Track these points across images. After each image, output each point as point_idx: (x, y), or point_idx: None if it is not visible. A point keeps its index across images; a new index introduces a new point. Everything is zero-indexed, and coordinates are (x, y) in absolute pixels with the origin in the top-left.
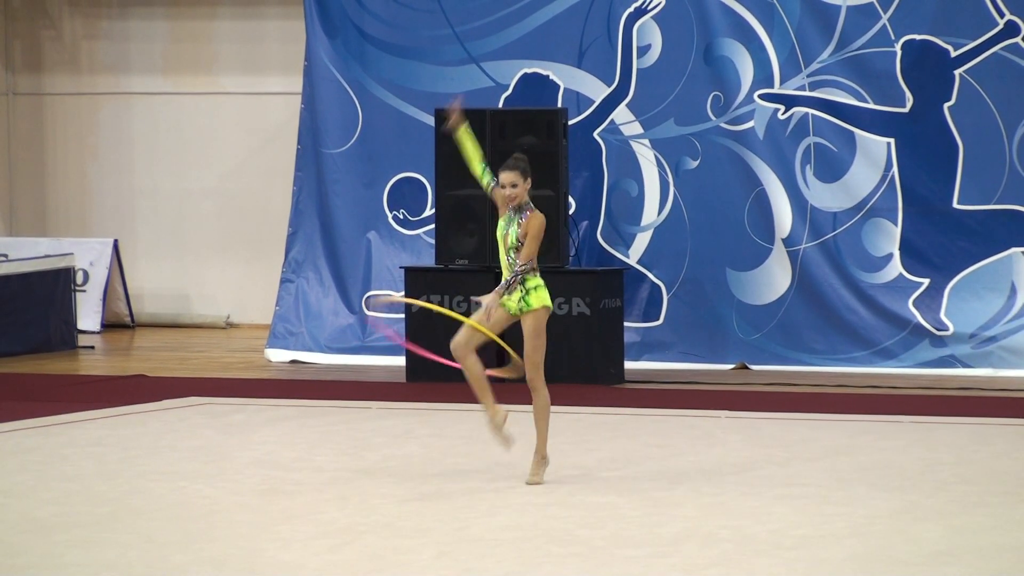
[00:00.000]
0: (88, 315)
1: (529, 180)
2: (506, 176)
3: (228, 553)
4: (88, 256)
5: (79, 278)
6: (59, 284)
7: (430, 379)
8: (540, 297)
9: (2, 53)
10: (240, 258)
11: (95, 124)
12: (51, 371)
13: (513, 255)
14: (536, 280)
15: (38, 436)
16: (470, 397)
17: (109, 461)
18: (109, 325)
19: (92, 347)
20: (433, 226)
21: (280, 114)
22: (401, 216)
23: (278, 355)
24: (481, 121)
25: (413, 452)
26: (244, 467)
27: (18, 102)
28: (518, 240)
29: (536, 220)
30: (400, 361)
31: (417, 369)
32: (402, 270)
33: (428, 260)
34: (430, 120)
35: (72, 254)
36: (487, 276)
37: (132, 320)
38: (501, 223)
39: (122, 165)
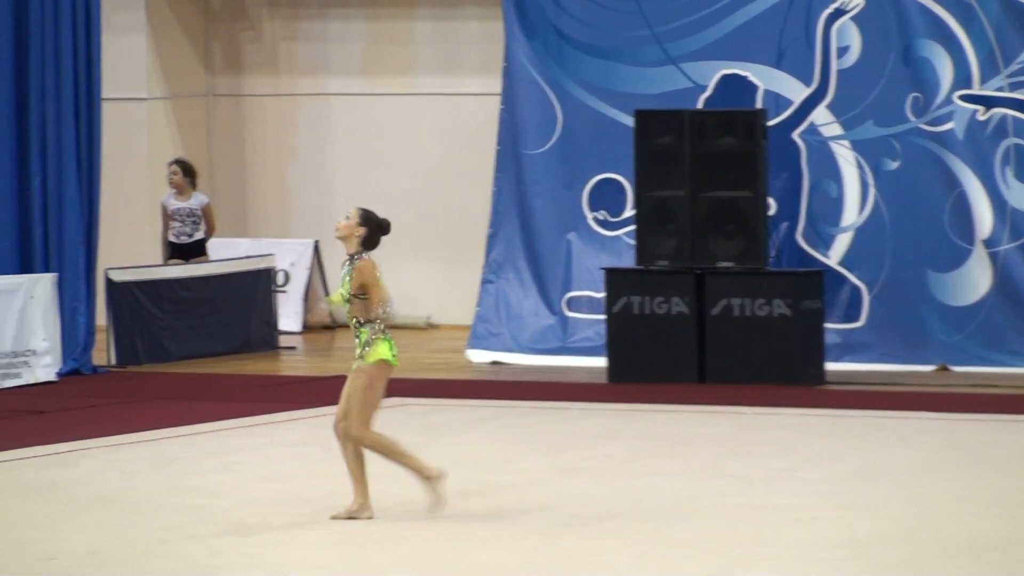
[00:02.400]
0: (289, 316)
1: (363, 231)
2: (343, 216)
3: (428, 553)
4: (289, 257)
5: (280, 279)
6: (260, 285)
7: (632, 380)
8: (377, 351)
9: (202, 54)
10: (440, 259)
11: (294, 125)
12: (252, 372)
13: (348, 307)
14: (373, 332)
15: (241, 437)
16: (672, 397)
17: (310, 462)
18: (310, 326)
19: (293, 348)
20: (633, 227)
21: (478, 115)
22: (601, 217)
23: (479, 356)
24: (679, 123)
25: (614, 453)
26: (445, 468)
27: (218, 103)
28: (349, 293)
29: (365, 268)
30: (601, 362)
31: (619, 370)
32: (602, 271)
33: (628, 261)
34: (629, 121)
35: (273, 255)
36: (687, 277)
37: (333, 321)
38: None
39: (321, 166)
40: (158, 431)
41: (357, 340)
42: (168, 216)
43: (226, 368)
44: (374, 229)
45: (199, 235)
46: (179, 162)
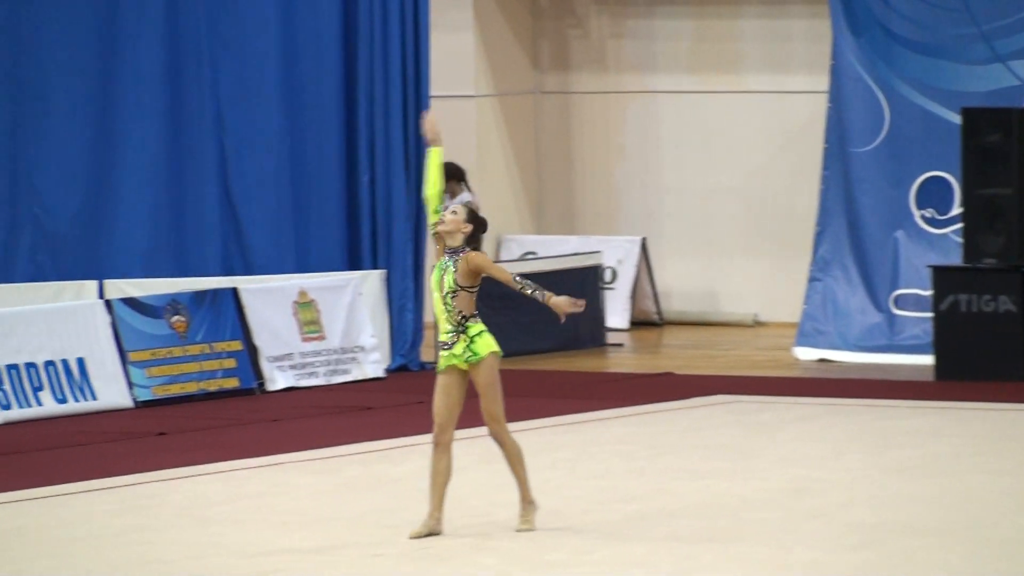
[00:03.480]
0: (616, 312)
1: (470, 227)
2: (455, 206)
3: (753, 552)
4: (616, 254)
5: (607, 276)
6: (588, 282)
7: (959, 378)
8: (487, 343)
9: (530, 52)
10: (767, 256)
11: (622, 123)
12: (580, 368)
13: (451, 300)
14: (479, 326)
15: (568, 433)
16: (1000, 396)
17: (637, 458)
18: (637, 322)
19: (621, 344)
20: (960, 225)
21: (805, 113)
22: (928, 215)
23: (806, 353)
24: (1007, 121)
25: (940, 452)
26: (771, 465)
27: (545, 101)
28: (456, 284)
29: (477, 256)
30: (928, 360)
31: (946, 368)
32: (929, 269)
33: (955, 259)
34: (956, 119)
35: (600, 252)
36: (1014, 275)
37: (660, 318)
38: (434, 271)
39: (649, 164)
40: (484, 427)
41: (454, 335)
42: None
43: (553, 365)
44: (479, 228)
45: None
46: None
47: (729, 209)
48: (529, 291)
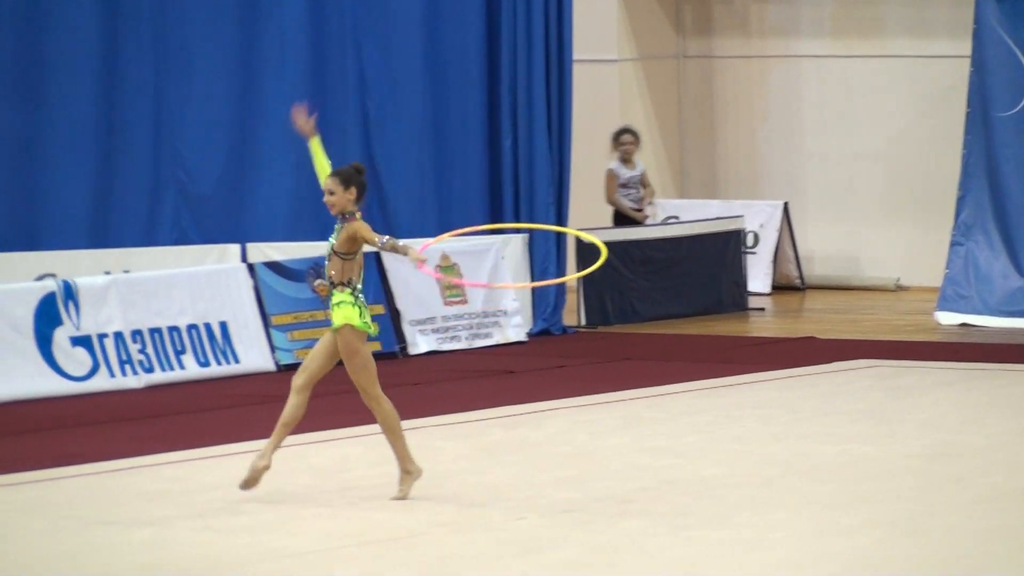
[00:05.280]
0: (758, 277)
1: (353, 191)
2: (326, 182)
3: (891, 516)
4: (758, 218)
5: (749, 240)
6: (730, 246)
7: None
8: (343, 315)
9: (673, 16)
10: (908, 221)
11: (764, 87)
12: (721, 332)
13: (326, 263)
14: (342, 295)
15: (709, 397)
16: None
17: (777, 423)
18: (778, 287)
19: (762, 309)
20: None
21: (948, 78)
22: None
23: (948, 318)
24: None
25: None
26: (912, 430)
27: (688, 65)
28: (332, 249)
29: (352, 225)
30: None
31: None
32: None
33: None
34: None
35: (742, 216)
36: None
37: (802, 282)
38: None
39: (791, 128)
40: (626, 391)
41: (328, 297)
42: (621, 184)
43: (695, 329)
44: (361, 188)
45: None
46: (633, 132)
47: (871, 173)
48: (390, 247)
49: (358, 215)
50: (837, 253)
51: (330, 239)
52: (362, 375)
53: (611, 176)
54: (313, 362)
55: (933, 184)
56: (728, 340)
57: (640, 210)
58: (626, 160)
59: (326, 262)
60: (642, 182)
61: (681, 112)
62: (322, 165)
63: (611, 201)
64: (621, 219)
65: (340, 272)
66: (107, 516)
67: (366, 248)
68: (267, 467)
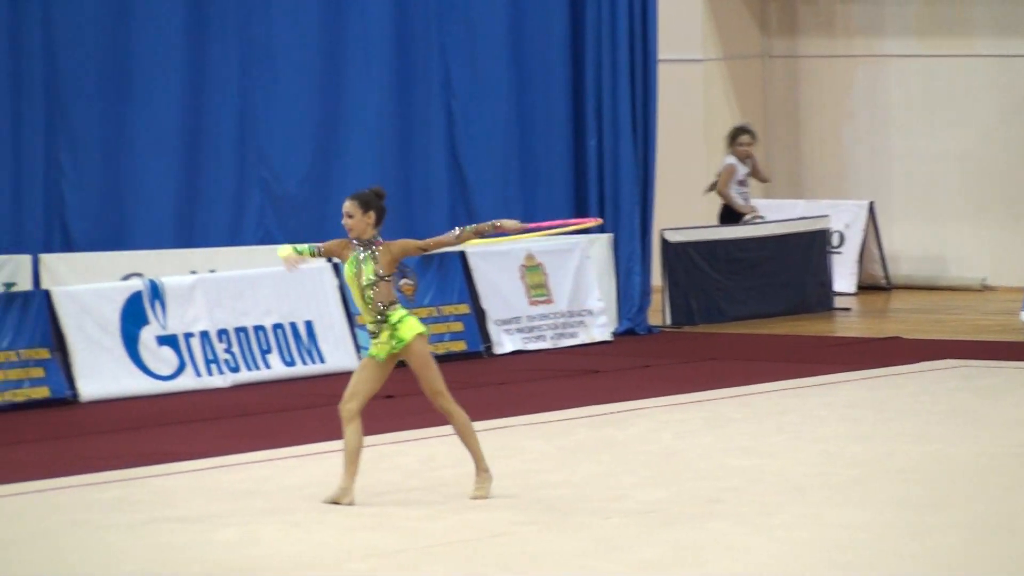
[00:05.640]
0: (843, 276)
1: (372, 215)
2: (346, 205)
3: (980, 517)
4: (844, 218)
5: (835, 240)
6: (815, 246)
7: None
8: (410, 326)
9: (758, 16)
10: (994, 221)
11: (849, 87)
12: (807, 332)
13: (371, 293)
14: (399, 312)
15: (794, 397)
16: None
17: (864, 423)
18: (864, 287)
19: (848, 308)
20: None
21: None
22: None
23: None
24: None
25: None
26: (999, 430)
27: (773, 65)
28: (376, 275)
29: (395, 246)
30: None
31: None
32: None
33: None
34: None
35: (828, 216)
36: None
37: (887, 282)
38: (347, 266)
39: (876, 128)
40: (711, 391)
41: (377, 326)
42: (738, 182)
43: (780, 329)
44: (380, 211)
45: None
46: (750, 131)
47: (957, 173)
48: (470, 233)
49: (379, 238)
50: (922, 253)
51: (363, 268)
52: (440, 381)
53: (731, 170)
54: (363, 386)
55: (1019, 183)
56: (813, 340)
57: (751, 207)
58: (744, 159)
59: (369, 293)
60: (754, 173)
61: (766, 112)
62: (307, 251)
63: (723, 194)
64: (729, 213)
65: (386, 294)
66: (193, 514)
67: (444, 249)
68: (352, 504)
